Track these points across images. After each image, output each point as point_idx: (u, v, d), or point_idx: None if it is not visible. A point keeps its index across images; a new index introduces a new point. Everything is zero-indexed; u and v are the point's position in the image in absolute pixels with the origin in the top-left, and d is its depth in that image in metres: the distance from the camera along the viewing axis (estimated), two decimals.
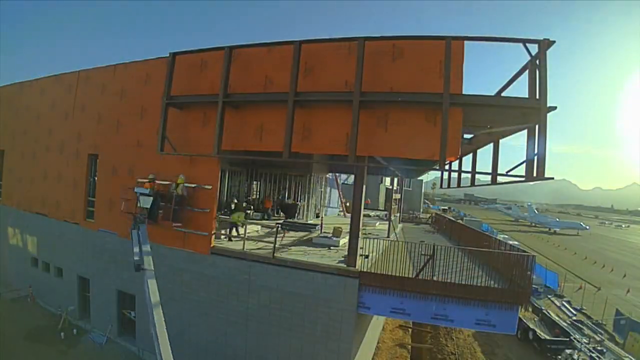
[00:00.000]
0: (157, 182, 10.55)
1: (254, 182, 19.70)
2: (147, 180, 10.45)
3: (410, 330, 17.48)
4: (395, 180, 23.76)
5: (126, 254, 11.90)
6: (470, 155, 12.43)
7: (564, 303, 24.33)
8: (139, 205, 9.57)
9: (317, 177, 21.28)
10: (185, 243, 10.78)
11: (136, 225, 8.76)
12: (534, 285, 17.99)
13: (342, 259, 10.17)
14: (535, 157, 7.42)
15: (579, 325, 20.06)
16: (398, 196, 23.89)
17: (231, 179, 18.83)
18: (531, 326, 17.16)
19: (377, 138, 8.36)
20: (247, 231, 11.28)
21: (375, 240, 10.97)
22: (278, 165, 17.52)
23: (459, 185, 15.86)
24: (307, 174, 19.82)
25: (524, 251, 9.75)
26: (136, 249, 8.19)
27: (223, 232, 12.00)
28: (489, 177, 9.58)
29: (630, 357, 16.67)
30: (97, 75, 13.32)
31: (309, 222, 18.39)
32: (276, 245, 10.13)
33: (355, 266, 9.29)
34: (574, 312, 22.72)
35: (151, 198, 9.65)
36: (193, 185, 10.51)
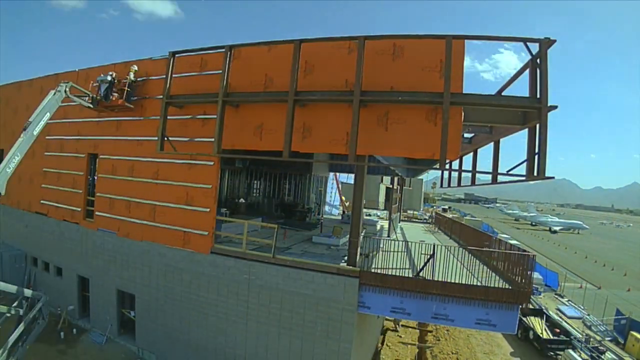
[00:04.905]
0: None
1: (254, 181, 19.70)
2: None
3: (410, 329, 17.47)
4: (396, 179, 23.72)
5: (126, 254, 11.96)
6: (471, 154, 12.41)
7: (564, 302, 24.31)
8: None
9: (317, 176, 21.26)
10: (185, 243, 10.77)
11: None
12: (534, 285, 17.95)
13: (343, 258, 10.15)
14: (536, 157, 7.38)
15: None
16: (398, 195, 23.86)
17: (231, 178, 18.81)
18: (531, 325, 17.17)
19: (377, 137, 8.31)
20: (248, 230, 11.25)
21: (375, 239, 10.93)
22: (278, 164, 17.50)
23: (459, 185, 15.85)
24: (307, 173, 19.80)
25: (525, 251, 9.71)
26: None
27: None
28: (489, 177, 9.56)
29: (630, 357, 16.66)
30: (96, 74, 13.24)
31: (309, 221, 18.39)
32: (276, 245, 10.10)
33: (355, 266, 9.26)
34: None
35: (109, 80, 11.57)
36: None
